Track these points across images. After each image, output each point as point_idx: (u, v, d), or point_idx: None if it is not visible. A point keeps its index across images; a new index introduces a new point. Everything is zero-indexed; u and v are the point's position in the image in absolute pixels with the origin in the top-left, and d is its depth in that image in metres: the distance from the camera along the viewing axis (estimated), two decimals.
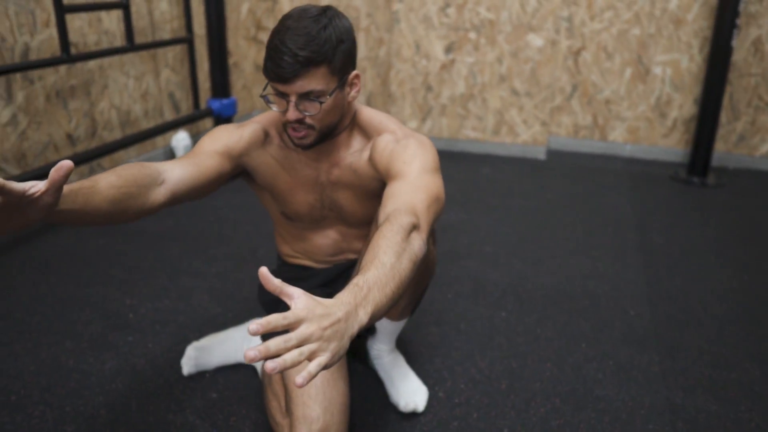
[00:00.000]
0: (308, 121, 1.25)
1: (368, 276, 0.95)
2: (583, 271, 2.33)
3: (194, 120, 3.31)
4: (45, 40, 2.68)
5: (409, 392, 1.58)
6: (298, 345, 0.82)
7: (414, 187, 1.21)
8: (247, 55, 3.98)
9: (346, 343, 0.87)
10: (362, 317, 0.91)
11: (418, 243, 1.07)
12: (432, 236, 1.51)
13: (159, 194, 1.15)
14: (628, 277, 2.29)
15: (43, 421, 1.54)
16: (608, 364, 1.79)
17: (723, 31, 3.04)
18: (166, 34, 3.39)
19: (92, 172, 3.03)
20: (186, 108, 3.66)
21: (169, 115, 3.52)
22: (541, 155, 3.64)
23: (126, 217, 1.08)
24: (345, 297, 0.91)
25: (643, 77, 3.51)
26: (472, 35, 3.50)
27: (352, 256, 1.56)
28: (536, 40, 3.42)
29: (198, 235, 2.59)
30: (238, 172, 1.40)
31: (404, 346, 1.85)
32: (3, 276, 2.23)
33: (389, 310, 0.98)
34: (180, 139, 3.54)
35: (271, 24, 3.94)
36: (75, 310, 2.02)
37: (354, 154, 1.38)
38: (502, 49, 3.48)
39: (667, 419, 1.57)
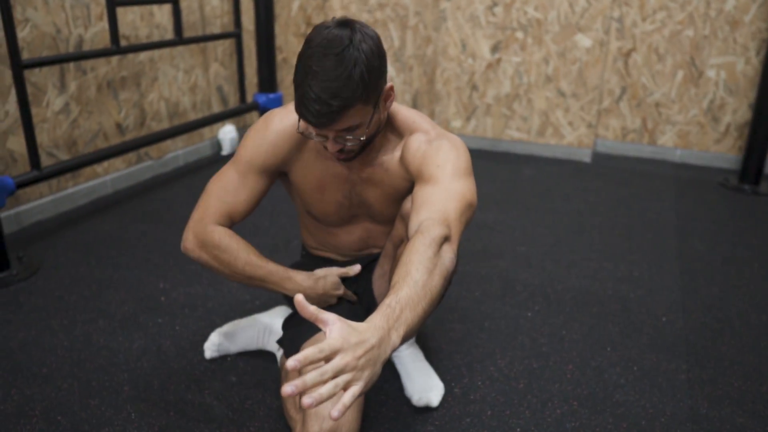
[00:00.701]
0: (349, 147, 1.24)
1: (401, 296, 0.95)
2: (617, 275, 2.27)
3: (241, 113, 3.38)
4: (98, 33, 2.79)
5: (425, 388, 1.57)
6: (334, 377, 0.83)
7: (447, 194, 1.19)
8: (296, 51, 4.03)
9: (378, 369, 0.88)
10: (395, 340, 0.91)
11: (449, 256, 1.07)
12: None
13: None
14: (664, 283, 2.22)
15: (69, 393, 1.61)
16: (632, 369, 1.74)
17: None
18: (216, 29, 3.47)
19: (139, 160, 3.14)
20: (233, 101, 3.75)
21: (216, 108, 3.61)
22: (587, 158, 3.57)
23: None
24: (378, 321, 0.90)
25: (696, 80, 3.39)
26: (519, 35, 3.45)
27: (376, 251, 1.57)
28: (584, 41, 3.35)
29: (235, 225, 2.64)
30: (277, 177, 1.45)
31: (425, 341, 1.85)
32: (48, 256, 2.33)
33: (420, 327, 0.98)
34: (227, 131, 3.62)
35: (321, 21, 3.99)
36: (111, 291, 2.09)
37: (386, 153, 1.37)
38: (549, 49, 3.43)
39: (689, 429, 1.52)
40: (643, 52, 3.44)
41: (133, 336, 1.85)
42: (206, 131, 3.61)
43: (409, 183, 1.37)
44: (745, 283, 2.24)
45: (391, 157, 1.36)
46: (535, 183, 3.21)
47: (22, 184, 2.27)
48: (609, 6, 3.27)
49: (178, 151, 3.39)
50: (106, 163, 2.96)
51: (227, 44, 3.60)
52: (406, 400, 1.60)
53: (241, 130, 3.90)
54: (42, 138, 2.62)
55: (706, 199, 3.04)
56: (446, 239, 1.08)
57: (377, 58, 1.16)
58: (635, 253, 2.45)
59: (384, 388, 1.64)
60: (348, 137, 1.20)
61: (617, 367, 1.76)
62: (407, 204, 1.33)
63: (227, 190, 1.38)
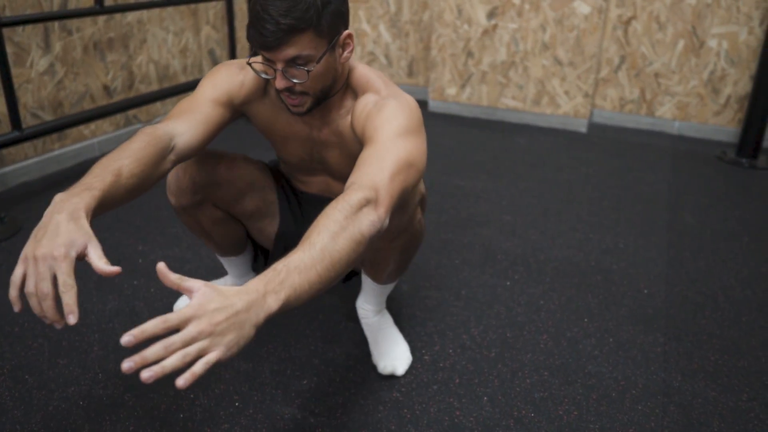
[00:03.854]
0: (298, 88, 1.21)
1: (291, 259, 0.91)
2: (602, 246, 2.24)
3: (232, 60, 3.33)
4: None
5: (391, 356, 1.56)
6: (184, 346, 0.78)
7: (380, 155, 1.14)
8: None
9: (247, 332, 0.83)
10: (271, 304, 0.87)
11: (369, 219, 1.02)
12: (422, 204, 1.47)
13: (169, 162, 1.20)
14: (649, 255, 2.19)
15: (39, 353, 1.60)
16: (608, 341, 1.72)
17: None
18: None
19: (128, 123, 3.11)
20: None
21: (207, 71, 3.56)
22: (583, 128, 3.51)
23: (137, 197, 1.16)
24: (254, 284, 0.87)
25: (697, 50, 3.31)
26: (516, 0, 3.37)
27: (300, 187, 1.61)
28: (583, 8, 3.27)
29: None
30: (238, 116, 1.41)
31: (399, 307, 1.83)
32: (30, 218, 2.32)
33: (321, 291, 0.94)
34: None
35: None
36: None
37: (343, 115, 1.35)
38: (546, 16, 3.35)
39: (659, 401, 1.50)
40: (643, 21, 3.35)
41: (107, 297, 1.84)
42: None
43: (361, 145, 1.34)
44: (733, 257, 2.20)
45: (345, 120, 1.34)
46: (528, 152, 3.16)
47: (2, 145, 2.25)
48: None
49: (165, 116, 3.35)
50: (93, 126, 2.93)
51: (219, 7, 3.53)
52: (374, 366, 1.59)
53: None
54: (26, 99, 2.58)
55: (701, 173, 2.99)
56: (368, 202, 1.04)
57: None
58: (623, 225, 2.42)
59: (353, 353, 1.63)
60: (296, 73, 1.18)
61: (592, 338, 1.73)
62: None
63: (182, 109, 1.29)
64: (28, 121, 2.61)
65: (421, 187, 1.44)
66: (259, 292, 0.86)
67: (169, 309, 1.79)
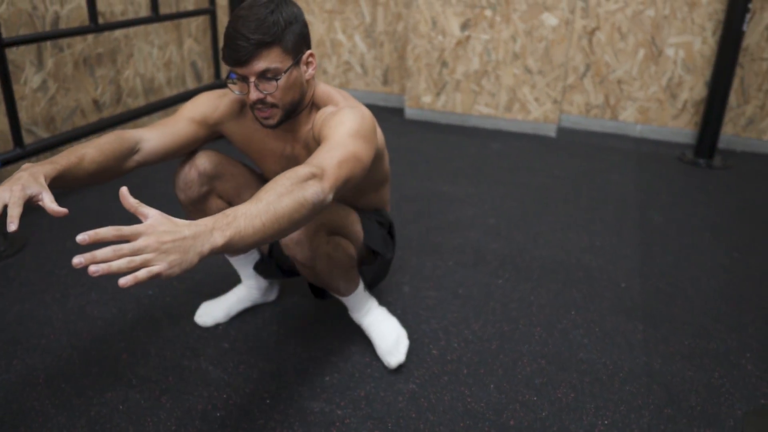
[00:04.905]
0: (269, 99, 1.37)
1: (239, 208, 1.03)
2: (580, 244, 2.43)
3: (215, 89, 3.43)
4: (74, 9, 2.80)
5: (384, 353, 1.70)
6: (131, 255, 0.90)
7: (331, 147, 1.26)
8: None
9: (191, 258, 0.94)
10: (217, 239, 0.98)
11: (313, 189, 1.13)
12: (344, 232, 1.59)
13: (131, 162, 1.40)
14: (624, 252, 2.39)
15: (70, 362, 1.70)
16: (594, 330, 1.91)
17: (735, 14, 3.07)
18: (189, 5, 3.49)
19: None
20: (207, 77, 3.78)
21: (191, 84, 3.64)
22: (552, 133, 3.71)
23: (101, 183, 1.36)
24: (204, 220, 0.99)
25: (656, 58, 3.55)
26: (488, 12, 3.56)
27: None
28: (551, 19, 3.47)
29: None
30: (216, 136, 1.59)
31: (404, 307, 1.98)
32: (34, 232, 2.39)
33: (266, 239, 1.05)
34: None
35: None
36: None
37: (309, 130, 1.51)
38: (516, 27, 3.54)
39: (644, 382, 1.69)
40: (606, 31, 3.58)
41: (126, 308, 1.94)
42: (181, 107, 3.64)
43: None
44: (698, 251, 2.42)
45: (310, 134, 1.50)
46: (503, 157, 3.35)
47: (7, 162, 2.31)
48: None
49: None
50: (84, 140, 3.00)
51: (200, 20, 3.62)
52: None
53: None
54: (21, 115, 2.64)
55: (664, 173, 3.22)
56: (314, 176, 1.15)
57: (298, 20, 1.36)
58: (597, 224, 2.61)
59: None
60: (267, 85, 1.35)
61: (581, 329, 1.91)
62: None
63: (158, 123, 1.50)
64: (23, 137, 2.67)
65: (335, 217, 1.56)
66: (207, 227, 0.98)
67: (187, 316, 1.90)
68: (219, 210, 1.68)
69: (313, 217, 1.17)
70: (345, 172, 1.24)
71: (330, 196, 1.19)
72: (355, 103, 1.44)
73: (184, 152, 1.53)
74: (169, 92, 3.48)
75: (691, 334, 1.90)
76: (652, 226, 2.61)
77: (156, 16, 2.96)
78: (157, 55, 3.34)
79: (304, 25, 1.38)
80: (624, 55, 3.60)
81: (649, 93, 3.63)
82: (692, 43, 3.47)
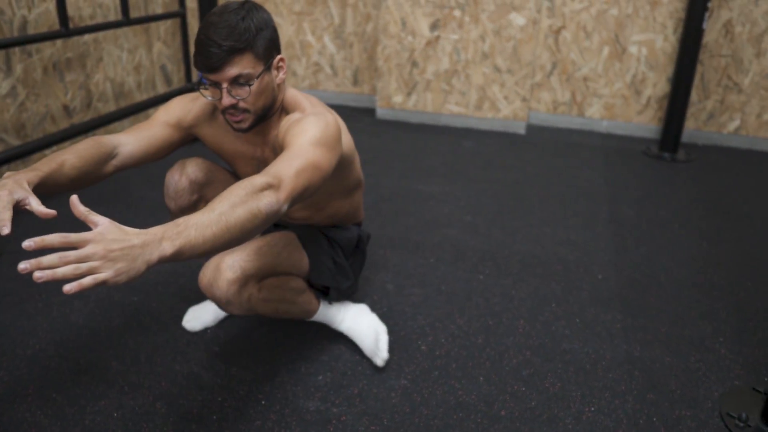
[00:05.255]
0: (242, 105, 1.39)
1: (190, 217, 1.04)
2: (556, 239, 2.50)
3: (186, 92, 3.41)
4: (42, 14, 2.76)
5: (369, 354, 1.73)
6: (77, 262, 0.91)
7: (291, 156, 1.26)
8: None
9: (138, 266, 0.95)
10: (166, 248, 0.99)
11: (268, 200, 1.14)
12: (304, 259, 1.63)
13: (110, 167, 1.42)
14: (598, 245, 2.46)
15: (59, 372, 1.68)
16: (575, 321, 1.97)
17: (695, 13, 3.19)
18: (158, 8, 3.46)
19: None
20: (177, 80, 3.75)
21: (161, 88, 3.61)
22: (521, 130, 3.79)
23: (81, 188, 1.37)
24: (154, 229, 1.00)
25: (620, 56, 3.66)
26: (457, 13, 3.61)
27: (286, 220, 1.75)
28: (518, 19, 3.54)
29: None
30: (191, 139, 1.60)
31: (390, 305, 2.01)
32: (7, 242, 2.35)
33: (216, 249, 1.06)
34: None
35: None
36: None
37: (277, 135, 1.52)
38: (485, 27, 3.61)
39: (625, 369, 1.75)
40: (572, 30, 3.67)
41: (111, 315, 1.93)
42: (152, 111, 3.61)
43: None
44: (668, 242, 2.51)
45: (277, 140, 1.51)
46: (475, 155, 3.41)
47: None
48: None
49: None
50: (55, 147, 2.95)
51: (170, 23, 3.59)
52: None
53: None
54: None
55: (631, 167, 3.32)
56: (270, 186, 1.16)
57: (269, 26, 1.37)
58: (571, 218, 2.69)
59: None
60: (239, 91, 1.36)
61: (562, 320, 1.97)
62: None
63: (133, 128, 1.50)
64: None
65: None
66: (157, 236, 0.99)
67: (175, 321, 1.90)
68: None
69: (267, 226, 1.18)
70: (302, 181, 1.24)
71: (285, 207, 1.20)
72: (322, 110, 1.44)
73: (161, 155, 1.54)
74: (139, 96, 3.44)
75: (667, 322, 1.98)
76: (623, 220, 2.69)
77: (126, 20, 2.93)
78: (126, 59, 3.30)
79: (275, 30, 1.40)
80: (589, 53, 3.69)
81: (614, 89, 3.74)
82: (654, 40, 3.58)
